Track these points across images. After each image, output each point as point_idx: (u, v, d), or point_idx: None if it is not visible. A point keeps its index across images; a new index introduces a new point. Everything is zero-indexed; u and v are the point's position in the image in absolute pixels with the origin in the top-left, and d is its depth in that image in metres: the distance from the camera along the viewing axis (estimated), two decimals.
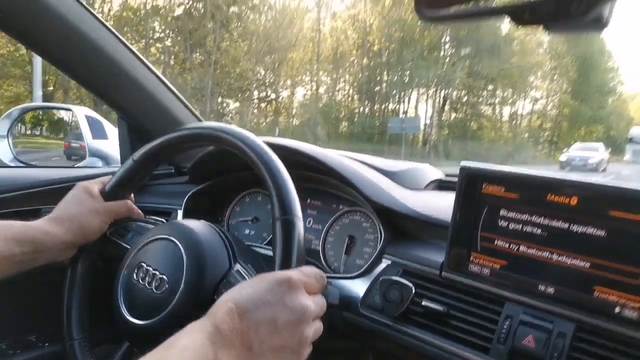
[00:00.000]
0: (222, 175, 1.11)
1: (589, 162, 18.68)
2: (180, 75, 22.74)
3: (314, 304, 0.57)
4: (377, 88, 30.72)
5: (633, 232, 0.59)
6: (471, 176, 0.72)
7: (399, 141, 22.07)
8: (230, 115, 25.74)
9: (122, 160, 1.17)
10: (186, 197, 1.05)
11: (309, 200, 1.03)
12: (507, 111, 35.53)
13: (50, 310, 0.84)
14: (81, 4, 0.93)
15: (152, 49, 22.82)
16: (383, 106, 31.23)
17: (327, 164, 0.89)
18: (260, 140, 0.70)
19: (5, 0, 0.85)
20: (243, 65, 24.44)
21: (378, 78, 30.61)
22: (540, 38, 30.50)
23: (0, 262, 0.69)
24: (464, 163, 0.73)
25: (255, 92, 27.93)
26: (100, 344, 0.78)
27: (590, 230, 0.62)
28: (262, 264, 0.74)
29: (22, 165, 1.36)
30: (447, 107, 32.23)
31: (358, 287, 0.81)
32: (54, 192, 1.04)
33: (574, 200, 0.63)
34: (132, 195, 0.86)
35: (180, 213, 1.03)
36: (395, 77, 30.04)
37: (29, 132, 1.61)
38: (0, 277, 0.71)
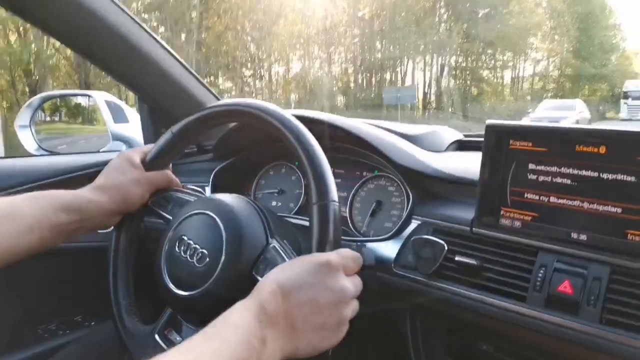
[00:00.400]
0: (245, 151, 1.13)
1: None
2: None
3: (352, 285, 0.61)
4: (372, 58, 30.20)
5: None
6: (498, 133, 0.73)
7: (397, 110, 21.74)
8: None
9: (146, 143, 1.19)
10: (212, 174, 1.07)
11: (332, 169, 1.05)
12: (508, 75, 35.15)
13: (94, 291, 0.87)
14: None
15: None
16: (378, 76, 30.76)
17: (353, 132, 0.91)
18: (298, 122, 0.70)
19: None
20: (230, 42, 23.80)
21: (371, 48, 30.04)
22: None
23: (49, 230, 0.71)
24: (490, 121, 0.75)
25: (244, 70, 27.42)
26: (145, 309, 0.80)
27: (620, 176, 0.63)
28: (297, 239, 0.76)
29: (46, 153, 1.38)
30: (445, 74, 31.83)
31: (390, 249, 0.84)
32: (83, 178, 1.07)
33: (602, 149, 0.65)
34: (170, 165, 0.87)
35: (208, 190, 1.06)
36: (390, 46, 29.48)
37: (48, 118, 1.64)
38: (49, 246, 0.72)
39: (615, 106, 25.79)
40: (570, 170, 0.67)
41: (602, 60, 33.53)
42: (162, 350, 0.70)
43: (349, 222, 1.00)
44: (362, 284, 0.64)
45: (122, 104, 1.41)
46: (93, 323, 1.13)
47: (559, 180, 0.69)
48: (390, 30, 27.94)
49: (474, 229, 0.76)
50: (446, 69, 31.32)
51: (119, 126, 1.33)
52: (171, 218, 0.78)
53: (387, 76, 31.15)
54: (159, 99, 1.18)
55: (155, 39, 1.06)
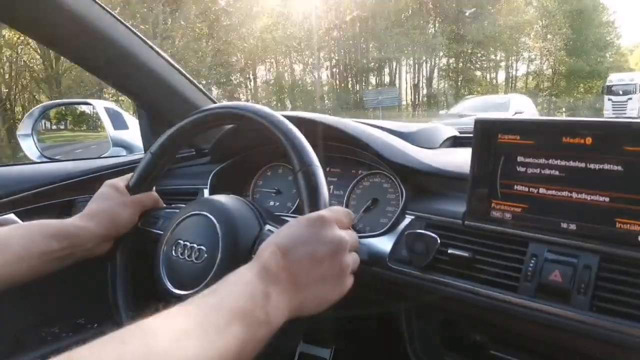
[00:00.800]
0: (242, 153, 1.14)
1: None
2: None
3: (348, 235, 0.63)
4: (354, 62, 30.05)
5: None
6: (486, 128, 0.75)
7: (387, 112, 21.56)
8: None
9: (145, 149, 1.21)
10: (210, 176, 1.09)
11: (328, 169, 1.07)
12: (501, 75, 35.21)
13: (95, 294, 0.89)
14: None
15: None
16: (362, 80, 30.55)
17: (346, 131, 0.93)
18: (266, 108, 0.75)
19: None
20: (202, 49, 23.58)
21: (358, 50, 29.89)
22: None
23: (40, 258, 0.73)
24: (478, 116, 0.77)
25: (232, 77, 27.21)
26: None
27: (607, 166, 0.65)
28: None
29: (47, 160, 1.40)
30: (435, 75, 31.82)
31: (384, 244, 0.85)
32: (85, 182, 1.08)
33: (588, 140, 0.66)
34: (154, 188, 0.90)
35: (206, 192, 1.07)
36: (375, 50, 29.28)
37: (54, 127, 1.67)
38: (43, 274, 0.75)
39: None
40: (558, 162, 0.69)
41: (597, 58, 33.49)
42: None
43: None
44: (357, 236, 0.67)
45: (121, 110, 1.43)
46: (96, 326, 1.14)
47: (547, 171, 0.70)
48: (376, 32, 27.82)
49: (465, 222, 0.77)
50: (436, 70, 31.36)
51: (119, 132, 1.36)
52: (162, 232, 0.80)
53: (374, 80, 31.09)
54: (155, 104, 1.19)
55: (148, 44, 1.08)
